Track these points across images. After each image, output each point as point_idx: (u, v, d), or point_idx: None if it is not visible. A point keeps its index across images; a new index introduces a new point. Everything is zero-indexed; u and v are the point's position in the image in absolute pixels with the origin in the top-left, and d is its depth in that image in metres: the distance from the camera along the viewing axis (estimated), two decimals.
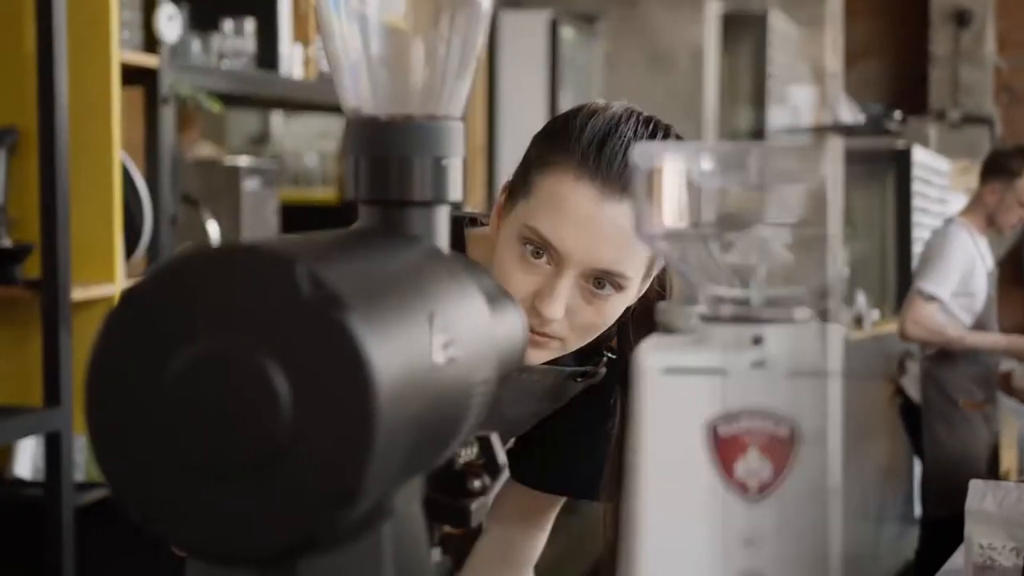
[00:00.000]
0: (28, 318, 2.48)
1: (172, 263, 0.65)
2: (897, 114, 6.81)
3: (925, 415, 4.55)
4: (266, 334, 0.62)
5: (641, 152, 0.70)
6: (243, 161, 3.19)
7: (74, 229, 2.47)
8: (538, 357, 1.29)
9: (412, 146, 0.81)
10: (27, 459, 2.74)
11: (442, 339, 0.71)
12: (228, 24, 3.03)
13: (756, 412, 0.68)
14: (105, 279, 2.55)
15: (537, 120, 5.57)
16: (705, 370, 0.69)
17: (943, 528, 3.15)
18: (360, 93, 0.84)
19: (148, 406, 0.64)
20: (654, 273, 1.32)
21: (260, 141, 5.27)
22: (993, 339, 4.55)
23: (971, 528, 1.90)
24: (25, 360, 2.49)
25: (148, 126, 2.68)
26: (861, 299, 6.57)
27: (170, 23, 2.64)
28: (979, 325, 4.45)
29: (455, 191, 0.82)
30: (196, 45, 2.96)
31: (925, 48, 9.72)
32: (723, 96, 6.86)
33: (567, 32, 5.56)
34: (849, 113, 6.03)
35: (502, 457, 0.88)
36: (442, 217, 0.82)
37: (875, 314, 6.59)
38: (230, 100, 3.21)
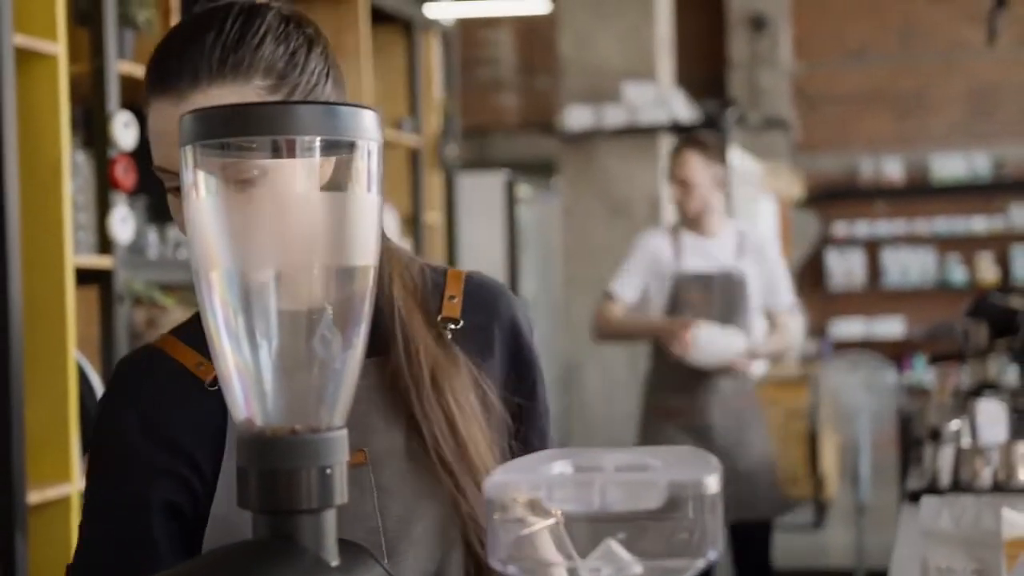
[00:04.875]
0: None
1: None
2: (731, 112, 6.81)
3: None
4: None
5: (493, 484, 0.77)
6: None
7: (30, 431, 2.52)
8: None
9: (297, 458, 0.87)
10: None
11: None
12: None
13: None
14: (62, 479, 2.59)
15: (497, 276, 5.73)
16: None
17: None
18: (250, 406, 0.90)
19: None
20: None
21: None
22: (645, 321, 4.14)
23: (927, 550, 1.77)
24: None
25: (103, 325, 2.74)
26: None
27: (123, 224, 2.73)
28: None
29: (341, 494, 0.88)
30: (152, 236, 3.05)
31: (722, 52, 9.96)
32: None
33: (524, 190, 5.70)
34: (685, 110, 5.96)
35: None
36: (329, 519, 0.88)
37: None
38: (189, 284, 3.29)
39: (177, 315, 3.53)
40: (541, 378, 1.37)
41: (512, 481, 0.78)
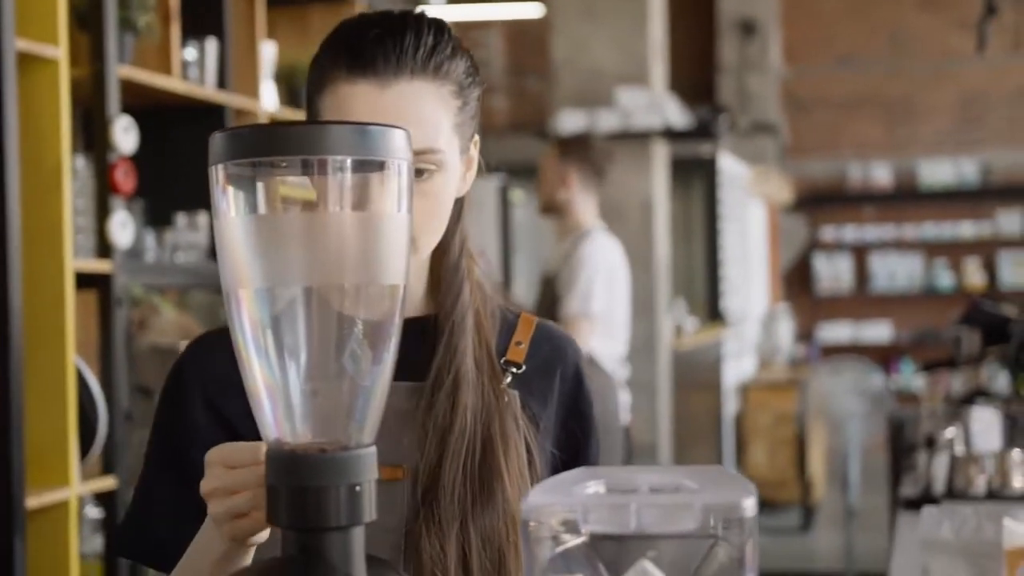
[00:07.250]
0: None
1: None
2: (724, 118, 6.86)
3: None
4: None
5: (529, 505, 0.77)
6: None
7: (29, 435, 2.51)
8: None
9: (327, 476, 0.87)
10: None
11: None
12: (182, 219, 3.12)
13: None
14: (60, 483, 2.58)
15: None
16: None
17: None
18: (279, 424, 0.90)
19: None
20: (472, 139, 1.28)
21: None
22: None
23: (928, 559, 1.79)
24: None
25: (102, 328, 2.74)
26: (681, 307, 6.60)
27: (123, 229, 2.72)
28: None
29: (370, 512, 0.89)
30: (151, 240, 3.04)
31: (712, 56, 9.98)
32: (675, 237, 7.01)
33: (517, 195, 5.70)
34: (678, 115, 6.01)
35: None
36: (357, 536, 0.88)
37: (694, 322, 6.61)
38: (186, 287, 3.29)
39: (169, 317, 3.53)
40: (596, 436, 1.36)
41: (548, 503, 0.78)
